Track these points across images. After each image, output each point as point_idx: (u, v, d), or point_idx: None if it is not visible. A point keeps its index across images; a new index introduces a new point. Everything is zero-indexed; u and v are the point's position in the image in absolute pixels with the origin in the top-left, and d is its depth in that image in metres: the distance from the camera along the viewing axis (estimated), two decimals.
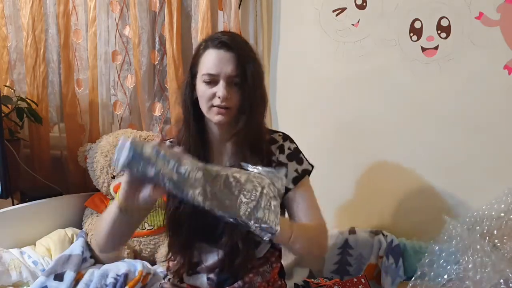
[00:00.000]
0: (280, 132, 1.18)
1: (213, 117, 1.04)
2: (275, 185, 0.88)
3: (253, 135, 1.07)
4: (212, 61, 1.03)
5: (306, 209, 1.10)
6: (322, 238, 1.10)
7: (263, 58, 1.74)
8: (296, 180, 1.11)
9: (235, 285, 1.10)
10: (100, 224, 1.03)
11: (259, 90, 1.08)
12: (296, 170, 1.12)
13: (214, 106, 1.03)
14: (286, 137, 1.17)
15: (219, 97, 1.02)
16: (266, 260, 1.14)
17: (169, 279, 1.21)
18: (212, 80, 1.03)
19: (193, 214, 1.03)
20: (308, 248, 1.07)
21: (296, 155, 1.14)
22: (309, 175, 1.15)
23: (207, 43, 1.06)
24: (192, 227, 1.06)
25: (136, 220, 1.01)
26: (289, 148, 1.14)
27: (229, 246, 1.05)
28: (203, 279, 1.12)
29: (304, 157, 1.16)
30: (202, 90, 1.04)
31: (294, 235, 0.98)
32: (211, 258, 1.11)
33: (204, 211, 0.85)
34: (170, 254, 1.15)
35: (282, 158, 1.13)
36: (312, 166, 1.16)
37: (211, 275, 1.11)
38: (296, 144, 1.17)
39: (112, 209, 0.97)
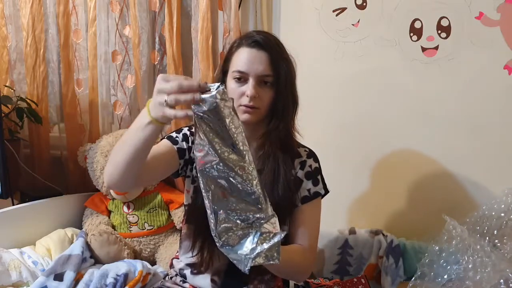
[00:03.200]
0: (307, 148, 1.18)
1: (240, 115, 1.03)
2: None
3: (282, 138, 1.08)
4: (243, 59, 1.04)
5: (303, 230, 1.09)
6: (303, 265, 1.07)
7: None
8: (305, 200, 1.11)
9: None
10: (119, 149, 0.91)
11: (290, 92, 1.08)
12: (308, 190, 1.12)
13: (242, 105, 1.03)
14: (311, 155, 1.17)
15: (247, 96, 1.02)
16: None
17: (170, 277, 1.21)
18: (242, 78, 1.04)
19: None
20: (285, 273, 1.06)
21: (314, 175, 1.14)
22: (321, 197, 1.15)
23: (241, 41, 1.07)
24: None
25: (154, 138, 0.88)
26: (310, 166, 1.14)
27: None
28: (207, 280, 1.12)
29: (322, 179, 1.16)
30: (232, 87, 1.05)
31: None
32: (219, 260, 1.10)
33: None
34: (192, 245, 1.11)
35: (300, 174, 1.13)
36: (327, 191, 1.16)
37: (215, 277, 1.11)
38: (318, 164, 1.16)
39: (137, 125, 0.86)
